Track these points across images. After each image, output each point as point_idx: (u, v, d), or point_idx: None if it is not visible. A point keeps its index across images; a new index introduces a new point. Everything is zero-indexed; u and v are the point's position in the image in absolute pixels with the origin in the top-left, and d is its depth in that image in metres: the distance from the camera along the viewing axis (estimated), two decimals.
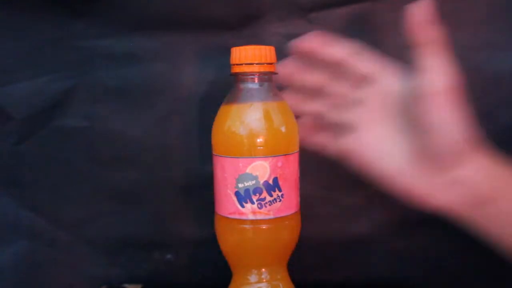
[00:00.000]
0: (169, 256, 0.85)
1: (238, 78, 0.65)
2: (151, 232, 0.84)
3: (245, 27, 0.79)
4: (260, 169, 0.63)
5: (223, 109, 0.65)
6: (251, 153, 0.62)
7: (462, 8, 0.77)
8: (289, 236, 0.66)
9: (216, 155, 0.65)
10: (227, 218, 0.65)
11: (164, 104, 0.81)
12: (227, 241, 0.66)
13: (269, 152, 0.63)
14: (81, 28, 0.79)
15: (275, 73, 0.65)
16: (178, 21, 0.79)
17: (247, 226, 0.64)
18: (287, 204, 0.64)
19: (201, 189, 0.81)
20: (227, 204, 0.64)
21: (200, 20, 0.79)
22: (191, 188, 0.82)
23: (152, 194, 0.83)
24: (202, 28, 0.79)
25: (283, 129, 0.64)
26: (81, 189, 0.83)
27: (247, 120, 0.63)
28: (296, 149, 0.66)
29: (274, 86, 0.66)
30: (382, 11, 0.77)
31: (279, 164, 0.63)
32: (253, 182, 0.62)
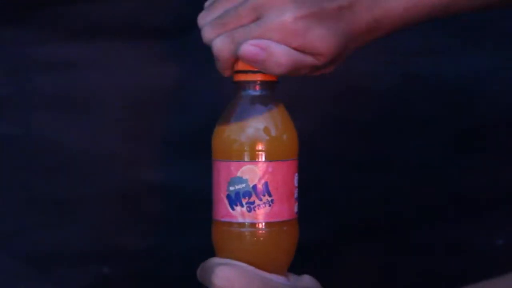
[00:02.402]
0: (105, 269, 0.83)
1: (239, 85, 0.66)
2: (86, 244, 0.82)
3: (186, 35, 0.79)
4: (250, 173, 0.63)
5: (222, 114, 0.66)
6: (242, 157, 0.63)
7: None
8: (280, 242, 0.66)
9: (213, 160, 0.65)
10: (220, 221, 0.65)
11: (102, 112, 0.80)
12: (219, 244, 0.66)
13: (262, 157, 0.63)
14: (18, 35, 0.77)
15: (275, 81, 0.66)
16: (116, 29, 0.78)
17: (236, 229, 0.64)
18: (278, 210, 0.64)
19: (139, 199, 0.80)
20: (220, 208, 0.64)
21: (139, 28, 0.78)
22: (129, 197, 0.81)
23: (88, 204, 0.81)
24: (142, 36, 0.79)
25: (277, 135, 0.65)
26: (12, 200, 0.79)
27: (243, 125, 0.64)
28: (293, 157, 0.66)
29: (275, 94, 0.67)
30: None
31: (270, 169, 0.64)
32: (243, 185, 0.63)
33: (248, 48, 0.61)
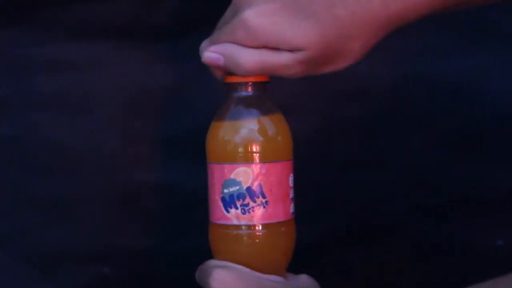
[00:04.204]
0: (105, 269, 0.83)
1: (231, 87, 0.66)
2: (86, 244, 0.82)
3: (186, 35, 0.79)
4: (244, 175, 0.63)
5: (215, 116, 0.65)
6: (235, 159, 0.63)
7: None
8: (276, 244, 0.66)
9: (207, 162, 0.65)
10: (216, 223, 0.65)
11: (102, 112, 0.80)
12: (216, 246, 0.66)
13: (255, 158, 0.63)
14: (17, 35, 0.77)
15: (267, 82, 0.66)
16: (116, 29, 0.78)
17: (232, 231, 0.64)
18: (273, 211, 0.64)
19: (139, 199, 0.80)
20: (215, 210, 0.64)
21: (139, 28, 0.78)
22: (129, 197, 0.81)
23: (88, 204, 0.81)
24: (141, 36, 0.79)
25: (270, 136, 0.64)
26: (12, 200, 0.80)
27: (235, 127, 0.64)
28: (287, 157, 0.66)
29: (267, 95, 0.67)
30: None
31: (263, 171, 0.64)
32: (237, 187, 0.63)
33: (208, 54, 0.61)
